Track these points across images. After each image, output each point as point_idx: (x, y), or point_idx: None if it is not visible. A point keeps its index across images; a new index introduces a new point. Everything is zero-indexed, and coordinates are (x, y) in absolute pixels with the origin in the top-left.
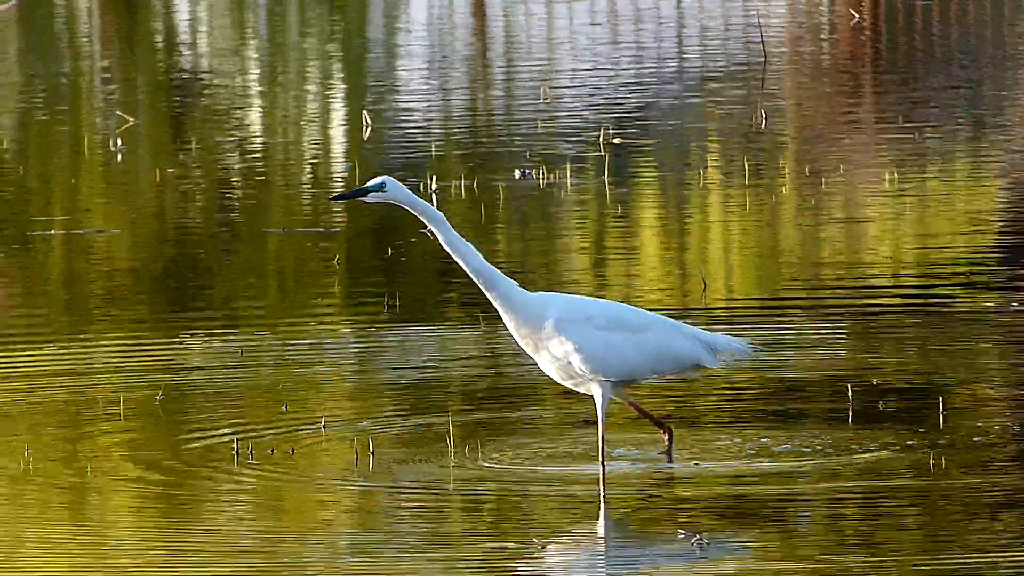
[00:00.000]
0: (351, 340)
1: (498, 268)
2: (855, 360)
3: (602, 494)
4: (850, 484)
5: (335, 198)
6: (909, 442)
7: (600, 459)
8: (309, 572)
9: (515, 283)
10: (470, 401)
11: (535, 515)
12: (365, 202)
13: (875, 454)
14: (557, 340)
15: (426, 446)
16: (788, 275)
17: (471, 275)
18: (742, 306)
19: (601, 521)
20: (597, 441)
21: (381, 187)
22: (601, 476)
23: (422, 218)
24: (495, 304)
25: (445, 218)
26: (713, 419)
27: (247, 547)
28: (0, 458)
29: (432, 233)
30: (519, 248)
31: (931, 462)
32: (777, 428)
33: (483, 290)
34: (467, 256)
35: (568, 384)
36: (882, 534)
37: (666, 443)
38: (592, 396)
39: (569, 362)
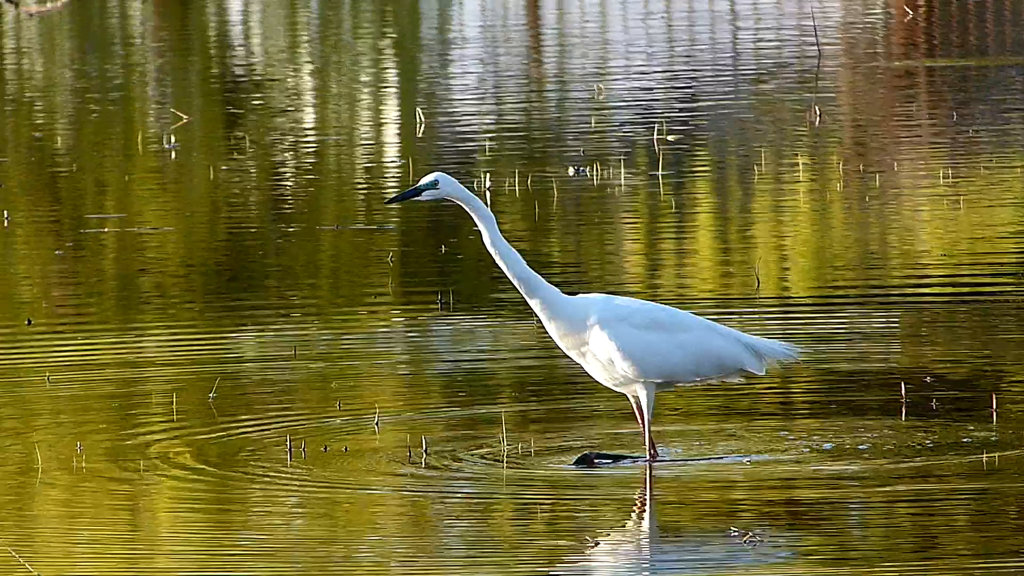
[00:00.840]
0: (404, 335)
1: (552, 265)
2: (908, 355)
3: (648, 493)
4: (903, 488)
5: (390, 201)
6: (964, 439)
7: (649, 454)
8: (359, 573)
9: (556, 289)
10: (523, 394)
11: (585, 513)
12: (419, 200)
13: (927, 456)
14: (598, 340)
15: (479, 442)
16: (842, 270)
17: (512, 280)
18: (796, 302)
19: (649, 519)
20: (644, 442)
21: (434, 184)
22: (648, 475)
23: (473, 214)
24: (537, 311)
25: (495, 219)
26: (765, 413)
27: (299, 547)
28: (54, 454)
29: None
30: (572, 245)
31: (984, 461)
32: (829, 425)
33: (525, 297)
34: (510, 260)
35: (617, 388)
36: (935, 538)
37: (646, 459)
38: (639, 399)
39: (612, 362)
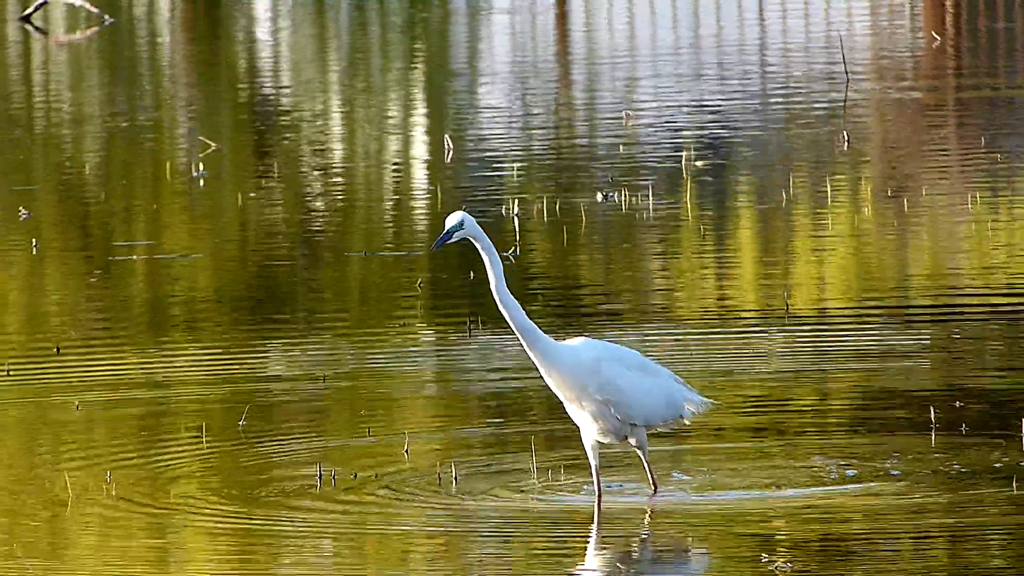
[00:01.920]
0: (433, 360)
1: (581, 289)
2: (938, 376)
3: (637, 529)
4: (934, 520)
5: (435, 247)
6: (995, 464)
7: (653, 483)
8: None
9: (551, 339)
10: (551, 417)
11: (613, 542)
12: (451, 243)
13: (957, 485)
14: (597, 379)
15: (508, 468)
16: (871, 292)
17: (515, 330)
18: (826, 324)
19: (674, 550)
20: (650, 480)
21: (461, 225)
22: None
23: (486, 260)
24: (537, 363)
25: (502, 267)
26: (796, 437)
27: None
28: (84, 484)
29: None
30: (601, 271)
31: (1014, 489)
32: (860, 451)
33: (525, 347)
34: (512, 310)
35: (604, 439)
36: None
37: (597, 491)
38: (636, 446)
39: (606, 402)
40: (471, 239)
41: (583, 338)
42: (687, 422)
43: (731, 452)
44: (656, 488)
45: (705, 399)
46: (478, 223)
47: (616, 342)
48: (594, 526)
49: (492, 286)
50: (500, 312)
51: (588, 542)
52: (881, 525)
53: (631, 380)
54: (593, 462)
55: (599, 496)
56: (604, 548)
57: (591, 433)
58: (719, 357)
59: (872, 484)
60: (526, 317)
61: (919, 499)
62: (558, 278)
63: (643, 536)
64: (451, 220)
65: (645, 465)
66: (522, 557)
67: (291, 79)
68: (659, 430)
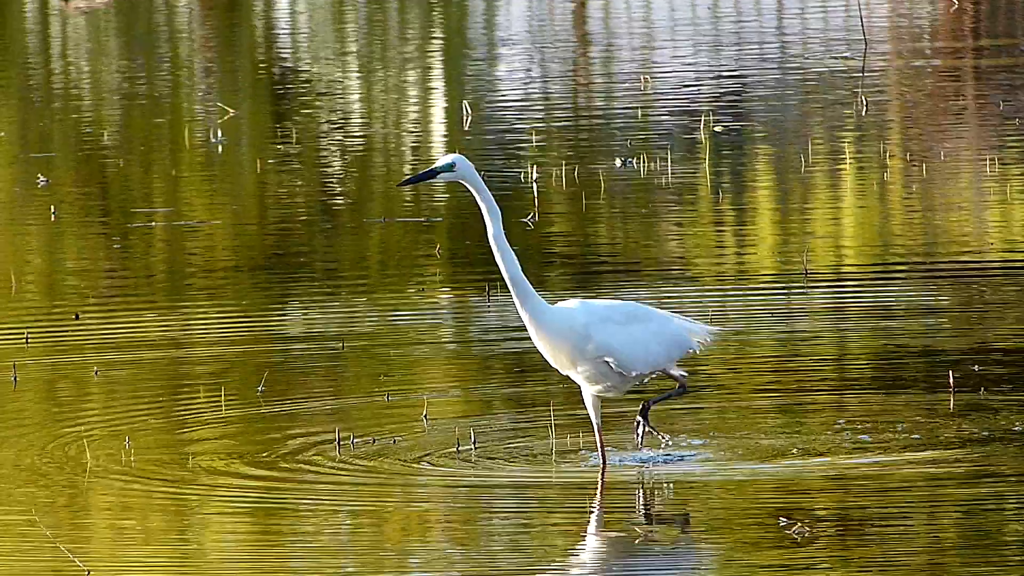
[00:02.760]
0: (451, 324)
1: (602, 253)
2: (957, 335)
3: (640, 496)
4: (951, 488)
5: (404, 183)
6: (1016, 427)
7: (599, 458)
8: (408, 571)
9: (543, 300)
10: (571, 384)
11: (628, 506)
12: (433, 182)
13: (975, 451)
14: (591, 343)
15: (527, 433)
16: (890, 256)
17: (507, 282)
18: (845, 290)
19: (685, 514)
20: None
21: (451, 167)
22: (600, 478)
23: (481, 204)
24: (526, 321)
25: (500, 215)
26: (814, 401)
27: (347, 549)
28: (103, 451)
29: (487, 224)
30: (621, 236)
31: None
32: (876, 414)
33: (516, 303)
34: (508, 261)
35: (606, 394)
36: (982, 545)
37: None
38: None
39: (606, 363)
40: (465, 184)
41: (577, 300)
42: (696, 352)
43: (746, 416)
44: (683, 387)
45: (709, 327)
46: (490, 185)
47: (633, 300)
48: (597, 494)
49: (489, 233)
50: (496, 261)
51: (595, 511)
52: (896, 492)
53: (624, 336)
54: (595, 420)
55: (603, 461)
56: (615, 515)
57: (591, 389)
58: (736, 317)
59: (888, 448)
60: (519, 270)
61: (934, 467)
62: (576, 243)
63: (655, 503)
64: (441, 160)
65: (675, 374)
66: (537, 526)
67: (309, 46)
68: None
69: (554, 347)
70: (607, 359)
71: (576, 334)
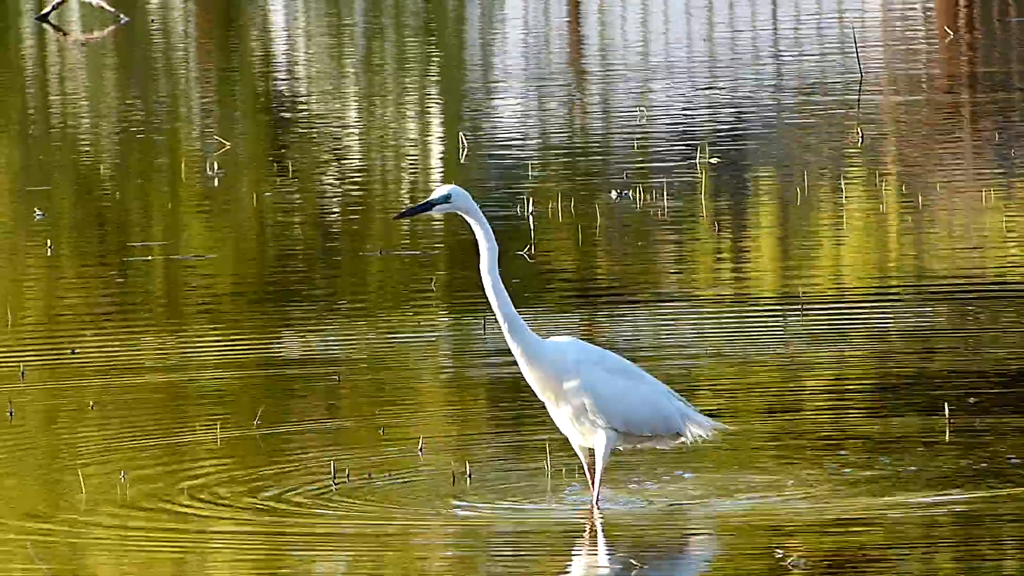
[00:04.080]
0: (448, 358)
1: (599, 283)
2: (953, 365)
3: (596, 539)
4: (946, 531)
5: (399, 216)
6: (1012, 459)
7: (592, 507)
8: None
9: (535, 334)
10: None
11: (623, 544)
12: (431, 215)
13: (971, 489)
14: (576, 381)
15: (523, 467)
16: (888, 289)
17: (498, 317)
18: (842, 322)
19: (688, 551)
20: (592, 491)
21: (447, 199)
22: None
23: (478, 236)
24: (516, 355)
25: (497, 249)
26: (810, 432)
27: None
28: (100, 486)
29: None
30: (618, 270)
31: None
32: (874, 450)
33: (507, 337)
34: (500, 296)
35: (577, 440)
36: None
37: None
38: (594, 449)
39: (583, 405)
40: (463, 215)
41: (571, 338)
42: (687, 442)
43: (742, 449)
44: (597, 501)
45: (713, 422)
46: (489, 217)
47: (629, 332)
48: (598, 532)
49: (483, 267)
50: (487, 295)
51: (589, 547)
52: (892, 528)
53: (609, 382)
54: (583, 460)
55: (596, 498)
56: (612, 552)
57: (574, 439)
58: (733, 344)
59: (884, 484)
60: (512, 306)
61: (930, 503)
62: (574, 275)
63: (653, 536)
64: (437, 191)
65: (596, 476)
66: (534, 562)
67: (306, 77)
68: (658, 448)
69: (543, 382)
70: (585, 400)
71: (564, 369)
